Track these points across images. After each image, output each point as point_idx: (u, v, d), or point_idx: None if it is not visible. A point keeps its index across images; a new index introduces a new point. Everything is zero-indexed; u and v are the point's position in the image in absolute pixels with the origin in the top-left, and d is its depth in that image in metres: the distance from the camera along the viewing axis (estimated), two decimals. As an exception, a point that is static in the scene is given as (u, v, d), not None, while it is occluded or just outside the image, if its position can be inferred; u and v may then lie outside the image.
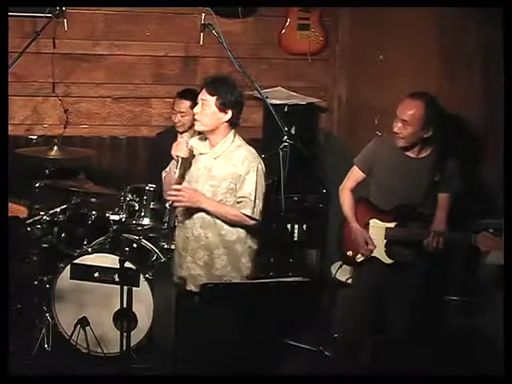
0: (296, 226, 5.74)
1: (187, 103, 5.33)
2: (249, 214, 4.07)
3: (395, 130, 4.19)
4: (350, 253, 4.43)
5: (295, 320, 4.96)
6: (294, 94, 6.03)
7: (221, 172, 4.10)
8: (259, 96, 5.47)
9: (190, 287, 4.13)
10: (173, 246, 4.97)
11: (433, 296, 4.73)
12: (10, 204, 4.02)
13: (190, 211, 4.14)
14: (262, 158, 5.31)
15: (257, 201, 4.08)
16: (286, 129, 5.18)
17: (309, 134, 5.96)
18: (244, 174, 4.07)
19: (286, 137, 5.14)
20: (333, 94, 6.24)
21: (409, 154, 4.28)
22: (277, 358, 4.75)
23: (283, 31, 6.03)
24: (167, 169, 4.32)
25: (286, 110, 5.77)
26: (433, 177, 4.24)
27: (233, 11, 5.88)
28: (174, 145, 4.12)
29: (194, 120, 4.14)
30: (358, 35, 5.91)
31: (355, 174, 4.44)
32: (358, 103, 5.95)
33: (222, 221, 4.09)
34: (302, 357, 4.96)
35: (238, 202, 4.08)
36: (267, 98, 5.51)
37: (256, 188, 4.07)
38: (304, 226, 5.78)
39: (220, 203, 4.09)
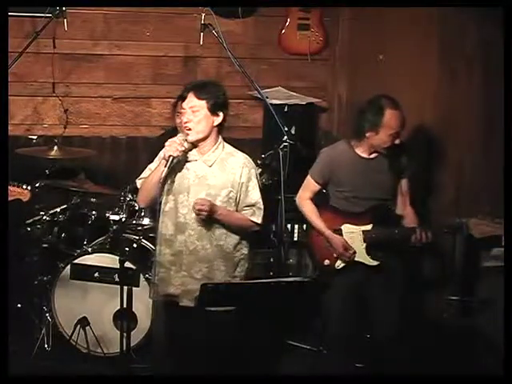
0: (296, 226, 5.73)
1: None
2: (259, 221, 4.02)
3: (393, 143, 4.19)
4: (327, 262, 4.35)
5: (295, 320, 4.96)
6: (294, 94, 6.02)
7: (218, 180, 3.97)
8: (259, 96, 5.47)
9: (185, 303, 3.97)
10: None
11: (423, 295, 4.73)
12: (12, 187, 4.05)
13: (184, 224, 3.98)
14: (262, 158, 5.38)
15: (262, 207, 4.03)
16: (286, 129, 5.18)
17: (309, 134, 5.96)
18: (246, 181, 3.99)
19: (286, 137, 5.14)
20: (333, 94, 6.24)
21: (362, 154, 4.30)
22: (277, 357, 4.74)
23: (283, 31, 6.03)
24: (143, 175, 4.11)
25: (285, 110, 5.77)
26: (390, 171, 4.27)
27: (233, 11, 5.88)
28: (167, 144, 3.92)
29: (186, 129, 3.95)
30: (358, 35, 5.91)
31: (310, 185, 4.42)
32: (357, 103, 5.94)
33: (225, 229, 3.99)
34: (302, 357, 4.96)
35: (244, 211, 4.01)
36: (267, 97, 5.50)
37: (260, 194, 4.03)
38: (304, 226, 5.77)
39: (231, 211, 3.98)
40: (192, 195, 3.96)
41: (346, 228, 4.32)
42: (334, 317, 4.45)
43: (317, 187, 4.41)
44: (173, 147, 3.89)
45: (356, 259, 4.31)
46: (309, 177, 4.42)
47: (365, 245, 4.30)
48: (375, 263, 4.30)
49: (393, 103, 4.17)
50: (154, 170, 3.99)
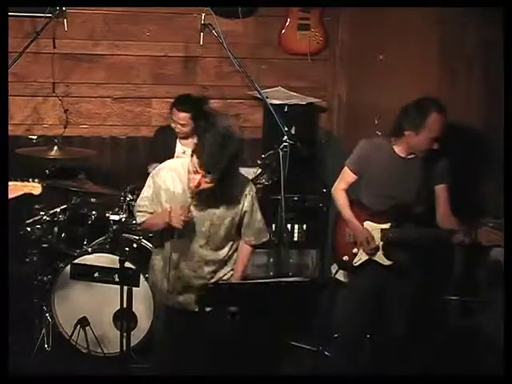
0: (296, 226, 5.74)
1: (187, 115, 5.26)
2: (267, 238, 4.12)
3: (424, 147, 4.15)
4: (346, 258, 4.38)
5: (295, 320, 4.96)
6: (294, 94, 6.03)
7: (222, 210, 3.91)
8: (259, 96, 5.47)
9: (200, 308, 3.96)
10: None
11: (432, 296, 4.73)
12: (23, 182, 4.06)
13: (191, 253, 3.97)
14: (262, 158, 5.39)
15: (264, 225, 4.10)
16: (286, 129, 5.18)
17: (309, 134, 5.96)
18: (249, 209, 3.96)
19: (286, 137, 5.14)
20: (333, 94, 6.24)
21: (400, 153, 4.27)
22: (277, 358, 4.75)
23: (283, 31, 6.03)
24: (141, 203, 4.02)
25: (285, 110, 5.77)
26: (425, 174, 4.23)
27: (233, 11, 5.88)
28: (172, 217, 3.78)
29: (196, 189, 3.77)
30: (358, 35, 5.91)
31: (347, 176, 4.42)
32: (358, 103, 5.95)
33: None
34: (302, 357, 4.96)
35: (249, 237, 4.04)
36: (267, 98, 5.51)
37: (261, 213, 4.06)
38: (304, 226, 5.78)
39: (239, 265, 4.05)
40: (197, 225, 3.90)
41: (367, 225, 4.32)
42: (346, 313, 4.50)
43: (352, 177, 4.39)
44: (178, 220, 3.77)
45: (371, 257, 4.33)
46: (345, 167, 4.41)
47: (381, 244, 4.30)
48: (389, 263, 4.30)
49: (439, 107, 4.09)
50: (160, 216, 3.89)
